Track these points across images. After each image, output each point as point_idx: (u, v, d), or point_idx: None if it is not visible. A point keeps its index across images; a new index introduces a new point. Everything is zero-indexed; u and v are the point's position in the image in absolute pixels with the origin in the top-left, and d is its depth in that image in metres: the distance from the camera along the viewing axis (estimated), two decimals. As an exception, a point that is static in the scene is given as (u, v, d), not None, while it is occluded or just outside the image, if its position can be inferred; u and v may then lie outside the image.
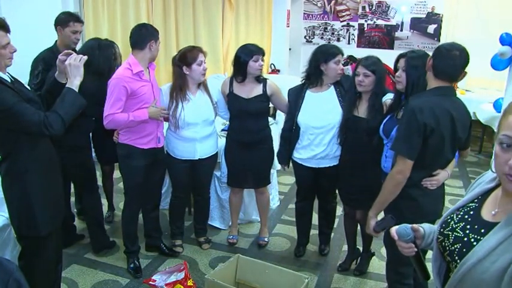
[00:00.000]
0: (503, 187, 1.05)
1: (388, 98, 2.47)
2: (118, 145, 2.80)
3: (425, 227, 1.30)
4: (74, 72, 2.00)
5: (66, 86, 2.00)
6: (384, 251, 3.18)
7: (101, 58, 2.77)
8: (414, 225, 1.27)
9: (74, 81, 2.00)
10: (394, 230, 1.25)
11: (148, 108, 2.71)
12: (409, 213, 1.98)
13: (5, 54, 1.90)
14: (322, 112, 2.76)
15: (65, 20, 3.03)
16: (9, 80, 1.93)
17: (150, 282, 2.71)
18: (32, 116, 1.87)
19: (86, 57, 2.07)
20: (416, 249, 1.24)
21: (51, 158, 2.10)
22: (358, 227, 2.97)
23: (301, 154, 2.86)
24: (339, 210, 3.29)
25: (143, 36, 2.67)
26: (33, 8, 4.24)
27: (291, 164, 3.04)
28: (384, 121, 2.38)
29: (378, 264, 3.08)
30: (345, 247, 3.13)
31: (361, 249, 3.03)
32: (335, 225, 3.28)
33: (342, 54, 2.72)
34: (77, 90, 2.00)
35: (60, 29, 3.02)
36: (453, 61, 1.92)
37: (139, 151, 2.75)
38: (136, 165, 2.76)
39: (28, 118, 1.86)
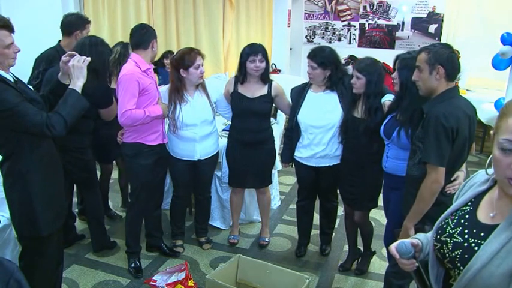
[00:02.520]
0: (505, 191, 1.02)
1: (387, 99, 2.48)
2: (124, 145, 2.79)
3: (421, 238, 1.28)
4: (77, 73, 2.00)
5: (69, 87, 2.00)
6: (384, 251, 3.18)
7: (93, 55, 2.61)
8: (413, 240, 1.26)
9: (77, 83, 2.00)
10: (394, 248, 1.22)
11: (160, 104, 2.74)
12: (438, 216, 1.99)
13: (9, 54, 1.89)
14: (322, 112, 2.76)
15: (82, 24, 3.12)
16: (12, 80, 1.93)
17: (151, 283, 2.71)
18: (35, 116, 1.87)
19: (89, 59, 2.07)
20: (417, 264, 1.22)
21: (52, 159, 2.10)
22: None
23: (302, 153, 2.87)
24: (340, 211, 3.29)
25: (146, 36, 2.69)
26: (34, 8, 4.24)
27: (290, 164, 3.04)
28: (385, 122, 2.38)
29: (378, 265, 3.07)
30: (346, 247, 3.13)
31: (362, 249, 3.02)
32: (336, 225, 3.28)
33: (311, 58, 2.72)
34: (79, 91, 2.00)
35: (78, 34, 3.07)
36: (457, 62, 1.98)
37: (148, 148, 2.75)
38: (145, 163, 2.76)
39: (31, 118, 1.86)
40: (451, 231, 1.12)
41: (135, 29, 2.73)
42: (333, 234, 3.27)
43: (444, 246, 1.13)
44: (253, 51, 2.87)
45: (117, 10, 5.03)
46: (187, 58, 2.78)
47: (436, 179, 1.93)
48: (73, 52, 2.10)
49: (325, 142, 2.78)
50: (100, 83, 2.74)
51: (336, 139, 2.77)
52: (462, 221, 1.12)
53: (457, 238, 1.10)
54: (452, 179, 2.02)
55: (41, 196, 2.01)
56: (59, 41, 3.17)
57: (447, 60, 1.94)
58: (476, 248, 1.04)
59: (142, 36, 2.68)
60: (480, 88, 6.08)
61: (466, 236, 1.08)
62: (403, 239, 1.24)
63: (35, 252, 2.12)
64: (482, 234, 1.05)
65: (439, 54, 1.94)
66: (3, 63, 1.90)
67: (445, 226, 1.15)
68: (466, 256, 1.05)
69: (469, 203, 1.14)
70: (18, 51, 1.95)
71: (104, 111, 2.87)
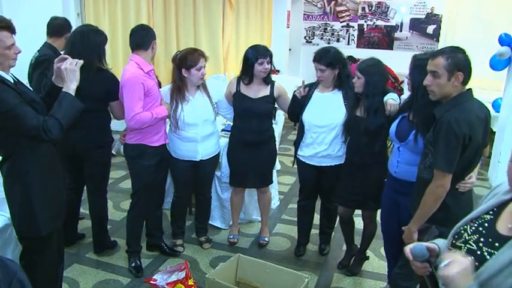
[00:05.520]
0: None
1: (390, 97, 2.49)
2: (127, 146, 2.81)
3: (439, 244, 1.27)
4: (70, 76, 2.00)
5: (63, 90, 2.00)
6: (383, 250, 3.20)
7: (84, 47, 2.60)
8: (429, 244, 1.24)
9: (71, 86, 2.00)
10: (408, 249, 1.22)
11: (164, 105, 2.76)
12: (442, 219, 1.98)
13: (10, 55, 1.90)
14: (326, 111, 2.79)
15: (69, 26, 3.29)
16: (12, 81, 1.94)
17: (151, 282, 2.72)
18: (32, 120, 1.87)
19: (81, 62, 2.06)
20: (430, 269, 1.21)
21: (52, 159, 2.10)
22: (361, 226, 2.96)
23: (304, 152, 2.90)
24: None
25: (147, 37, 2.69)
26: (35, 8, 4.25)
27: (290, 164, 3.05)
28: (396, 123, 2.33)
29: (377, 264, 3.09)
30: (345, 246, 3.14)
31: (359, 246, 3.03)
32: (336, 225, 3.29)
33: (317, 61, 2.73)
34: (73, 94, 1.99)
35: (67, 35, 3.16)
36: (471, 66, 1.94)
37: (151, 149, 2.77)
38: (148, 164, 2.77)
39: (28, 121, 1.87)
40: (467, 238, 1.12)
41: (135, 30, 2.74)
42: (333, 233, 3.29)
43: (458, 251, 1.12)
44: (262, 53, 2.88)
45: (117, 11, 5.04)
46: (190, 58, 2.80)
47: (442, 185, 1.92)
48: (65, 55, 2.09)
49: (327, 142, 2.80)
50: (107, 74, 2.72)
51: (339, 139, 2.79)
52: (480, 228, 1.11)
53: (471, 245, 1.10)
54: (467, 178, 2.00)
55: (40, 196, 2.02)
56: (46, 42, 3.27)
57: (466, 66, 1.90)
58: (488, 257, 1.04)
59: (144, 37, 2.69)
60: (478, 88, 6.10)
61: (481, 245, 1.08)
62: (420, 242, 1.23)
63: (35, 252, 2.12)
64: (496, 244, 1.05)
65: (459, 60, 1.89)
66: (4, 63, 1.90)
67: (462, 232, 1.15)
68: (477, 263, 1.05)
69: (491, 212, 1.14)
70: (19, 52, 1.95)
71: (115, 103, 2.77)
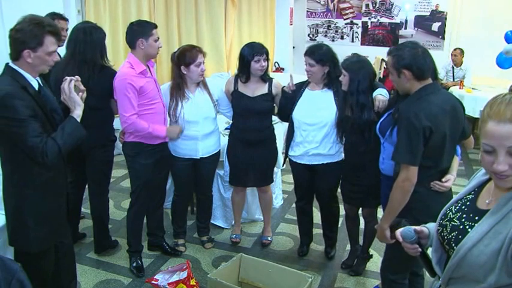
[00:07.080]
0: (494, 182, 1.17)
1: (379, 93, 2.47)
2: (125, 144, 2.78)
3: (429, 227, 1.35)
4: (71, 104, 1.95)
5: (70, 114, 1.95)
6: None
7: (87, 45, 2.63)
8: (417, 227, 1.33)
9: (75, 112, 1.95)
10: (398, 232, 1.33)
11: (168, 126, 2.75)
12: (418, 213, 1.95)
13: (47, 61, 1.87)
14: (316, 109, 2.76)
15: (52, 19, 3.14)
16: (36, 87, 1.89)
17: (153, 282, 2.70)
18: (34, 138, 1.80)
19: (74, 79, 1.95)
20: (420, 249, 1.30)
21: (57, 173, 2.01)
22: (362, 226, 2.95)
23: (295, 151, 2.88)
24: (343, 210, 3.26)
25: (131, 35, 2.64)
26: (34, 7, 4.22)
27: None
28: (381, 119, 2.36)
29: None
30: (349, 246, 3.10)
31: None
32: (339, 225, 3.25)
33: (309, 55, 2.72)
34: (78, 120, 1.95)
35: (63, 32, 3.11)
36: (423, 59, 1.94)
37: (150, 147, 2.75)
38: (146, 162, 2.75)
39: (29, 138, 1.79)
40: (451, 216, 1.24)
41: (127, 28, 2.70)
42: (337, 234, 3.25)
43: (444, 229, 1.24)
44: (257, 51, 2.85)
45: (118, 9, 5.01)
46: (188, 55, 2.78)
47: (407, 178, 1.92)
48: (72, 77, 1.96)
49: (318, 140, 2.77)
50: (109, 71, 2.71)
51: (329, 138, 2.77)
52: (463, 207, 1.23)
53: (455, 222, 1.21)
54: (444, 180, 2.00)
55: (36, 212, 1.93)
56: None
57: (411, 63, 1.91)
58: (469, 230, 1.15)
59: (129, 36, 2.64)
60: (485, 87, 6.06)
61: (463, 220, 1.19)
62: (409, 226, 1.33)
63: (28, 267, 2.05)
64: (476, 218, 1.16)
65: (402, 58, 1.93)
66: (38, 68, 1.86)
67: (448, 212, 1.26)
68: (460, 237, 1.16)
69: (472, 192, 1.25)
70: (57, 60, 1.93)
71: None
